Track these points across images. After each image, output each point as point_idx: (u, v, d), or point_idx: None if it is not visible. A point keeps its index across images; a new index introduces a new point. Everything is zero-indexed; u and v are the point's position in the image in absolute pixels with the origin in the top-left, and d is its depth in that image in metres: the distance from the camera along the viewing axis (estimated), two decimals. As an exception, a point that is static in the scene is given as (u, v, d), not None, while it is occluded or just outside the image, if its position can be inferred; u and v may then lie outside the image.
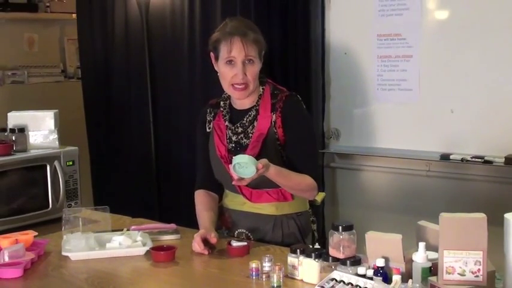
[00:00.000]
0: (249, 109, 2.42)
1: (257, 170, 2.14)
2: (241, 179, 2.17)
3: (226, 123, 2.46)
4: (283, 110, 2.37)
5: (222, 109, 2.49)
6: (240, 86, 2.35)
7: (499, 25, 3.08)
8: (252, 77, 2.34)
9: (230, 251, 2.24)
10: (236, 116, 2.45)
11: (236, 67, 2.33)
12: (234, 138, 2.43)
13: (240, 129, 2.42)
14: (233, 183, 2.22)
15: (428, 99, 3.31)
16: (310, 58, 3.58)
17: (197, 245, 2.26)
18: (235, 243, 2.25)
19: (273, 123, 2.37)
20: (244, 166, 2.14)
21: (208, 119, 2.53)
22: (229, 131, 2.44)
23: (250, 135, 2.40)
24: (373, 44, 3.43)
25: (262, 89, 2.43)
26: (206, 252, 2.25)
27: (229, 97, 2.49)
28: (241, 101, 2.45)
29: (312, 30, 3.56)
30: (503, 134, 3.12)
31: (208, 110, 2.54)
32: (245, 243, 2.26)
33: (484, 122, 3.16)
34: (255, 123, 2.40)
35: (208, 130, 2.52)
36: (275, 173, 2.26)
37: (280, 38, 3.56)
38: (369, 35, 3.44)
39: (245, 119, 2.42)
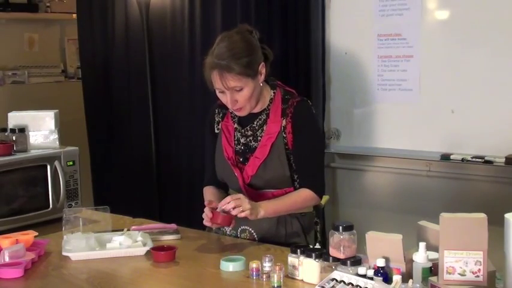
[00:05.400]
0: (259, 113, 2.43)
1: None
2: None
3: (235, 125, 2.46)
4: (293, 116, 2.38)
5: (230, 110, 2.49)
6: (237, 109, 2.36)
7: (500, 25, 3.08)
8: (244, 100, 2.32)
9: (214, 217, 2.24)
10: (245, 118, 2.44)
11: (226, 96, 2.32)
12: (242, 141, 2.44)
13: (249, 132, 2.43)
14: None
15: (428, 99, 3.31)
16: (311, 58, 3.58)
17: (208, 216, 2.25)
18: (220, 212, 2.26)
19: (282, 128, 2.38)
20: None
21: (216, 119, 2.53)
22: (238, 133, 2.45)
23: (259, 138, 2.41)
24: (373, 44, 3.43)
25: (274, 93, 2.43)
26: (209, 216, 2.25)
27: None
28: None
29: (313, 30, 3.56)
30: (503, 134, 3.12)
31: (216, 111, 2.54)
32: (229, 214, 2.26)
33: (484, 122, 3.16)
34: (265, 127, 2.41)
35: (216, 131, 2.52)
36: (268, 212, 2.29)
37: (280, 38, 3.57)
38: (369, 35, 3.44)
39: (255, 123, 2.42)
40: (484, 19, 3.11)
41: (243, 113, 2.38)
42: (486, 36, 3.12)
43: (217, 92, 2.34)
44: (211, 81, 2.33)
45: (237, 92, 2.30)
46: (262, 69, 2.35)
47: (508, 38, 3.06)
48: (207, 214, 2.26)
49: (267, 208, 2.30)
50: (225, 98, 2.33)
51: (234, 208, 2.22)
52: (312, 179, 2.39)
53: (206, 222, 2.29)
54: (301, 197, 2.38)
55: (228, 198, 2.25)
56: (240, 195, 2.28)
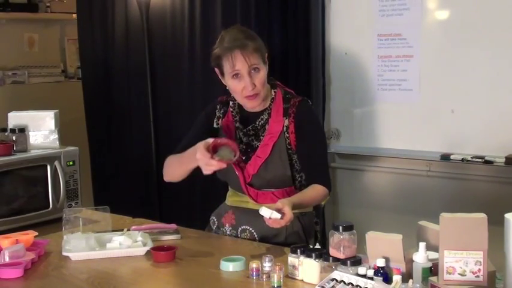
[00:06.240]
0: (261, 112, 2.43)
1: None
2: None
3: (237, 124, 2.46)
4: (296, 117, 2.39)
5: (231, 109, 2.49)
6: (252, 96, 2.35)
7: (500, 25, 3.08)
8: (260, 84, 2.34)
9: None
10: (247, 117, 2.45)
11: (244, 79, 2.32)
12: (244, 140, 2.44)
13: (251, 132, 2.43)
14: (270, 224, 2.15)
15: (428, 99, 3.31)
16: (311, 58, 3.58)
17: (204, 156, 2.17)
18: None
19: (285, 128, 2.39)
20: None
21: (217, 114, 2.52)
22: (240, 132, 2.45)
23: (261, 137, 2.41)
24: (373, 44, 3.43)
25: (274, 92, 2.44)
26: (215, 163, 2.18)
27: None
28: None
29: (313, 30, 3.56)
30: (503, 134, 3.12)
31: (218, 106, 2.54)
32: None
33: (484, 122, 3.16)
34: (267, 126, 2.41)
35: (215, 126, 2.52)
36: (295, 206, 2.21)
37: (280, 38, 3.56)
38: (369, 35, 3.44)
39: (257, 122, 2.42)
40: (484, 19, 3.11)
41: (257, 102, 2.38)
42: (486, 36, 3.11)
43: (231, 79, 2.34)
44: (222, 72, 2.35)
45: (255, 74, 2.32)
46: (267, 60, 2.39)
47: (508, 38, 3.06)
48: (209, 162, 2.16)
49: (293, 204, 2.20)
50: (242, 84, 2.33)
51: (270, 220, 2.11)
52: (323, 177, 2.39)
53: (207, 171, 2.21)
54: (318, 193, 2.35)
55: (285, 219, 2.11)
56: (291, 215, 2.13)
